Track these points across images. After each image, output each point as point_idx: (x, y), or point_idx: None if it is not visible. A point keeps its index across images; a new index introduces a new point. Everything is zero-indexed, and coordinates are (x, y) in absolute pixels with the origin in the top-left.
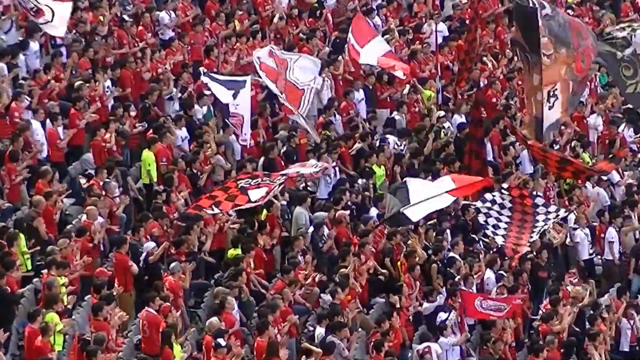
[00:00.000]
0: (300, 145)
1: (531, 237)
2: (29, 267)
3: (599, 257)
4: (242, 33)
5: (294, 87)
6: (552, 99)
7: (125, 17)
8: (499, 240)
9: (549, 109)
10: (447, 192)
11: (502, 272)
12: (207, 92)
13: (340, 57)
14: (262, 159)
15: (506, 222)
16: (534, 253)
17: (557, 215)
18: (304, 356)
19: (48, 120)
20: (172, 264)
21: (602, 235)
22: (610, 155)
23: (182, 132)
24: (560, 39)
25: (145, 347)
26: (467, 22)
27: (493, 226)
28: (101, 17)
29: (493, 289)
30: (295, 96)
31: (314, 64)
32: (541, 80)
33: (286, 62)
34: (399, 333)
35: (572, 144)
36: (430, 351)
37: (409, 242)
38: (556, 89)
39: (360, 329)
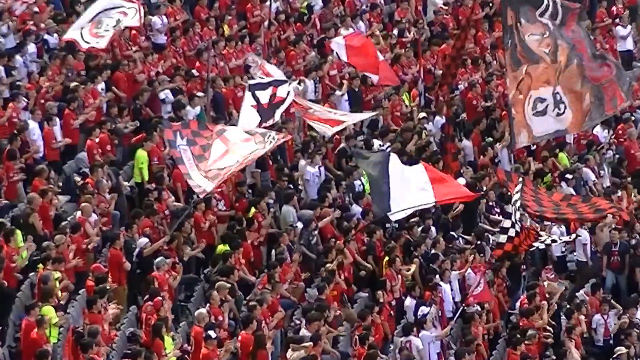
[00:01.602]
0: (288, 146)
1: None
2: (26, 262)
3: (573, 254)
4: (231, 37)
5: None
6: (560, 105)
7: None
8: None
9: (557, 115)
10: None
11: None
12: (200, 94)
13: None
14: None
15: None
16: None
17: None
18: (289, 350)
19: (45, 121)
20: (158, 259)
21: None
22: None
23: None
24: (572, 52)
25: (147, 340)
26: (453, 27)
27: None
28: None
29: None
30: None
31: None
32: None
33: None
34: (380, 328)
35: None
36: (410, 345)
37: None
38: (562, 96)
39: (345, 322)
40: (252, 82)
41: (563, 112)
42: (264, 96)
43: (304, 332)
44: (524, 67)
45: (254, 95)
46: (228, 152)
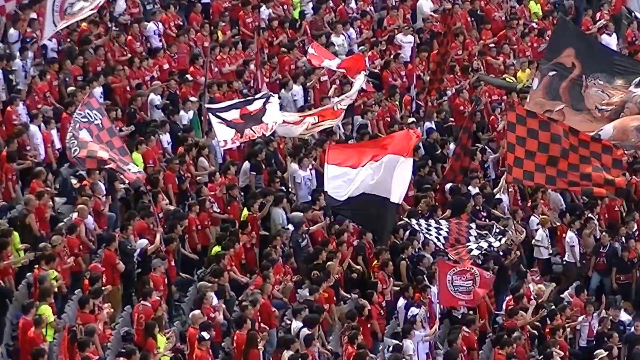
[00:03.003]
0: (280, 150)
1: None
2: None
3: (559, 257)
4: (224, 43)
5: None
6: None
7: (113, 27)
8: (440, 244)
9: None
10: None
11: None
12: (193, 99)
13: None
14: (246, 162)
15: (444, 236)
16: (501, 253)
17: (490, 244)
18: (285, 350)
19: (42, 124)
20: (154, 260)
21: (564, 235)
22: None
23: (166, 137)
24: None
25: (138, 339)
26: (440, 34)
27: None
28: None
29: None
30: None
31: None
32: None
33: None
34: (366, 329)
35: None
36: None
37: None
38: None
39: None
40: (211, 106)
41: None
42: (230, 115)
43: (305, 331)
44: (561, 106)
45: (215, 116)
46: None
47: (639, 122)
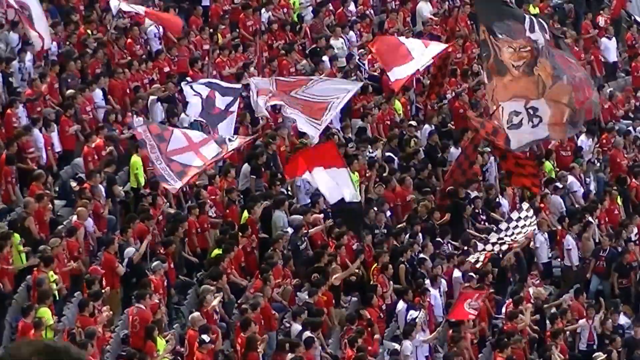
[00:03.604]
0: (280, 152)
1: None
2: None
3: (559, 260)
4: (224, 46)
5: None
6: (535, 119)
7: (111, 29)
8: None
9: (532, 127)
10: None
11: (471, 273)
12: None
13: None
14: (246, 165)
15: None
16: (500, 256)
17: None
18: (288, 353)
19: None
20: (154, 263)
21: (563, 240)
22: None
23: None
24: (558, 69)
25: (133, 342)
26: (439, 37)
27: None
28: (89, 31)
29: (459, 288)
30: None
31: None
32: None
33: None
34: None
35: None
36: (399, 351)
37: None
38: (539, 109)
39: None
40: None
41: (537, 124)
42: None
43: (306, 334)
44: (494, 79)
45: (192, 89)
46: (189, 148)
47: (567, 95)
